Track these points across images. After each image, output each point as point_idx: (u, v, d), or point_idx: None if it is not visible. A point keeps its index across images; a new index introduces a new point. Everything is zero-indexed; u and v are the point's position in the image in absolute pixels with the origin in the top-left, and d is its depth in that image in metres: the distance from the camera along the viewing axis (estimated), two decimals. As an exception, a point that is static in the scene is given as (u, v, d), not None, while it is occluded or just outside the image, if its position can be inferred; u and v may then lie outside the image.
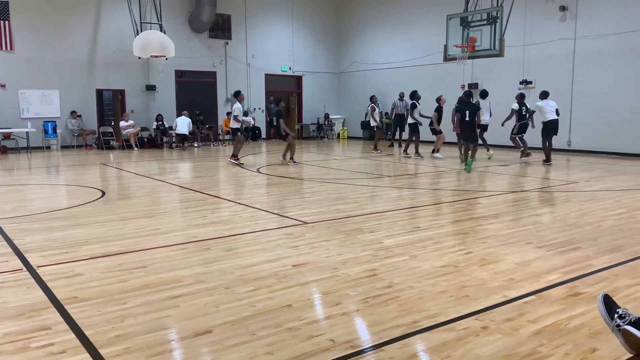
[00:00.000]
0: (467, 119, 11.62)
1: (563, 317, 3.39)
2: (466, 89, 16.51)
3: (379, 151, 15.66)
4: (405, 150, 14.50)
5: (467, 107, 11.70)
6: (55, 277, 4.24)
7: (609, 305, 2.75)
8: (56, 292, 3.90)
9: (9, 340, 3.09)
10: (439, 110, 13.76)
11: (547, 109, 12.05)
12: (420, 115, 14.04)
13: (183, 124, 17.38)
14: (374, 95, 16.24)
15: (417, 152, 14.10)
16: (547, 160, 12.27)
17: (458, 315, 3.43)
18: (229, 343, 3.05)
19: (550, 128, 12.12)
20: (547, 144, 12.23)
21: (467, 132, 11.88)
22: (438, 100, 13.77)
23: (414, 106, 13.97)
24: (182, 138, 17.57)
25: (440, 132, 13.89)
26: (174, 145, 17.96)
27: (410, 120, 14.19)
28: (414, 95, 14.06)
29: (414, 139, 14.12)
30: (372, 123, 15.86)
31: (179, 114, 18.04)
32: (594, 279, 4.15)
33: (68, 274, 4.33)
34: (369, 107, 15.88)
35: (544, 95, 12.27)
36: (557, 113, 12.12)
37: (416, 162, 13.09)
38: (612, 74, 14.20)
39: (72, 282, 4.15)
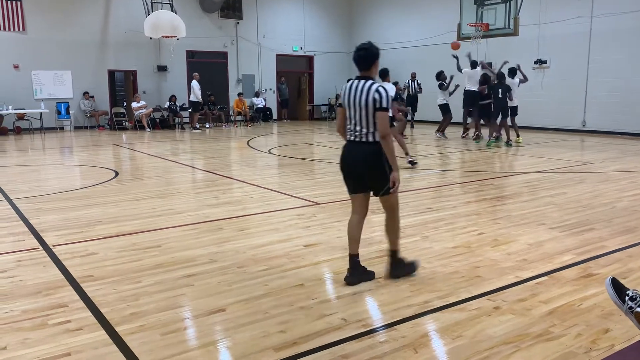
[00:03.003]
0: (499, 96, 11.57)
1: (576, 298, 3.39)
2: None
3: None
4: (441, 132, 13.94)
5: (500, 86, 11.64)
6: (71, 256, 4.30)
7: (618, 288, 2.73)
8: (72, 270, 3.96)
9: (27, 317, 3.15)
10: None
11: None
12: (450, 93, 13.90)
13: (193, 89, 16.79)
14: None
15: (442, 131, 13.87)
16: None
17: (470, 296, 3.44)
18: (242, 321, 3.09)
19: None
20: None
21: (495, 109, 11.88)
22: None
23: (441, 86, 13.75)
24: (193, 107, 17.08)
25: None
26: (185, 125, 17.92)
27: (440, 101, 13.82)
28: (440, 76, 13.81)
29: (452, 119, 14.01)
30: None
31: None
32: (608, 260, 4.13)
33: (83, 253, 4.39)
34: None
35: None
36: None
37: (438, 144, 13.00)
38: (628, 54, 13.90)
39: (87, 260, 4.21)
